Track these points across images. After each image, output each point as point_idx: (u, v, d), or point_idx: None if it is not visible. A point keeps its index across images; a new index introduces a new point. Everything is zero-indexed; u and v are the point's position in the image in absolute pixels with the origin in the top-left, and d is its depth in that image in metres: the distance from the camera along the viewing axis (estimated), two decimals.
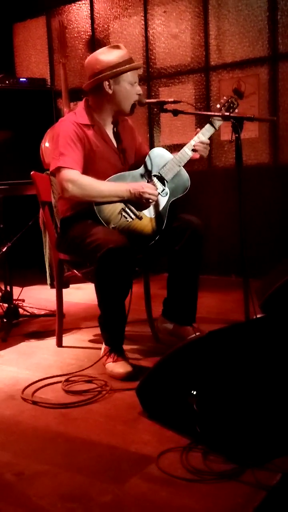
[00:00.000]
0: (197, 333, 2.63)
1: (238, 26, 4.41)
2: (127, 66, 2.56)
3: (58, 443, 1.90)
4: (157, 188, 2.62)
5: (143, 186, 2.55)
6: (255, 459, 1.65)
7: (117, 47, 2.62)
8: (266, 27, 4.28)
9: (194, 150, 2.67)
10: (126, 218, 2.53)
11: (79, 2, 5.19)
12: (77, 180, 2.50)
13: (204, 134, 2.69)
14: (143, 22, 4.85)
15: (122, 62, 2.56)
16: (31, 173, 2.96)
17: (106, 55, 2.58)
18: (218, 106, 2.71)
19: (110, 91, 2.58)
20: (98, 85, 2.59)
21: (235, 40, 4.44)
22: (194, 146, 2.66)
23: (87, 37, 5.19)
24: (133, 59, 2.65)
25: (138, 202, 2.54)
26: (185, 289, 2.69)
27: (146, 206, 2.57)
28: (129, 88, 2.59)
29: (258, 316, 2.33)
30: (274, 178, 4.34)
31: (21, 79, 4.77)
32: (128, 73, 2.58)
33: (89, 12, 5.14)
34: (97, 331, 2.62)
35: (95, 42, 5.09)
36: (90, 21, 5.15)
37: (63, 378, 2.44)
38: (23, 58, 5.65)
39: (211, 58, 4.57)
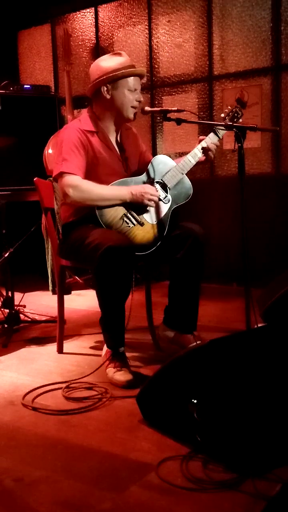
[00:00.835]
0: (198, 342, 2.63)
1: (241, 36, 4.44)
2: (124, 71, 2.58)
3: (58, 450, 1.90)
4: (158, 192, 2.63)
5: (145, 188, 2.56)
6: (255, 469, 1.65)
7: (119, 54, 2.65)
8: (269, 37, 4.31)
9: (204, 149, 2.68)
10: (128, 224, 2.54)
11: (84, 10, 5.23)
12: (78, 185, 2.51)
13: (208, 142, 2.71)
14: (147, 31, 4.89)
15: (121, 68, 2.59)
16: (34, 179, 2.97)
17: (106, 62, 2.62)
18: (222, 115, 2.73)
19: (108, 96, 2.60)
20: (98, 90, 2.62)
21: (238, 50, 4.47)
22: (206, 144, 2.67)
23: (92, 45, 5.23)
24: (135, 66, 2.67)
25: (140, 204, 2.55)
26: (187, 297, 2.69)
27: (147, 209, 2.58)
28: (128, 94, 2.61)
29: (259, 325, 2.33)
30: (276, 187, 4.35)
31: (25, 86, 4.80)
32: (128, 79, 2.60)
33: (94, 20, 5.18)
34: (98, 338, 2.62)
35: (99, 50, 5.12)
36: (94, 29, 5.18)
37: (63, 385, 2.44)
38: (27, 65, 5.69)
39: (215, 68, 4.60)
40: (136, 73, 2.63)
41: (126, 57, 2.64)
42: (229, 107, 2.75)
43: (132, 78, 2.61)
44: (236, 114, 2.71)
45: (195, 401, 1.80)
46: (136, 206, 2.56)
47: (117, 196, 2.52)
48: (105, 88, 2.60)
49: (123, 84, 2.59)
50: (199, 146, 2.70)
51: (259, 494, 1.54)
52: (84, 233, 2.51)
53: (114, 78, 2.58)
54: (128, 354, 2.63)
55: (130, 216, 2.55)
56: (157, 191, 2.62)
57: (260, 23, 4.34)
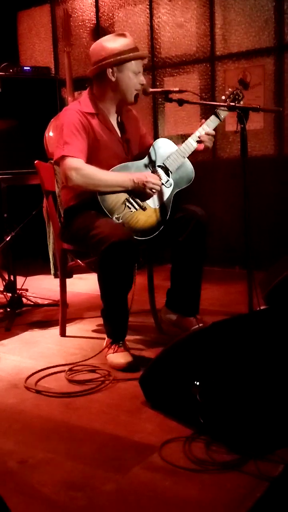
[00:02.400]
0: (201, 324, 2.64)
1: (244, 16, 4.37)
2: (131, 54, 2.55)
3: (61, 432, 1.91)
4: (161, 179, 2.61)
5: (147, 176, 2.54)
6: (258, 450, 1.66)
7: (123, 35, 2.60)
8: (272, 17, 4.24)
9: (199, 141, 2.66)
10: (130, 208, 2.52)
11: None
12: (80, 168, 2.49)
13: (209, 125, 2.68)
14: (148, 11, 4.82)
15: (127, 50, 2.55)
16: (35, 162, 2.95)
17: (111, 43, 2.57)
18: (223, 97, 2.70)
19: (113, 79, 2.57)
20: (102, 72, 2.58)
21: (241, 30, 4.40)
22: (199, 137, 2.65)
23: (92, 25, 5.16)
24: (138, 48, 2.64)
25: (142, 192, 2.54)
26: (189, 280, 2.69)
27: (149, 196, 2.57)
28: (132, 77, 2.58)
29: (262, 307, 2.33)
30: (279, 169, 4.32)
31: (25, 68, 4.75)
32: (133, 62, 2.56)
33: (94, 0, 5.10)
34: (101, 321, 2.63)
35: (99, 31, 5.05)
36: (95, 9, 5.11)
37: (66, 368, 2.45)
38: (27, 47, 5.62)
39: (217, 48, 4.54)
40: (142, 56, 2.60)
41: (130, 38, 2.60)
42: (229, 89, 2.72)
43: (137, 61, 2.58)
44: (237, 96, 2.67)
45: (198, 383, 1.81)
46: (139, 191, 2.55)
47: (119, 183, 2.50)
48: (111, 70, 2.55)
49: (128, 67, 2.56)
50: (200, 129, 2.67)
51: (262, 475, 1.55)
52: (88, 221, 2.49)
53: (121, 61, 2.53)
54: (130, 337, 2.64)
55: (132, 200, 2.54)
56: (159, 177, 2.60)
57: (263, 2, 4.27)
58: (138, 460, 1.69)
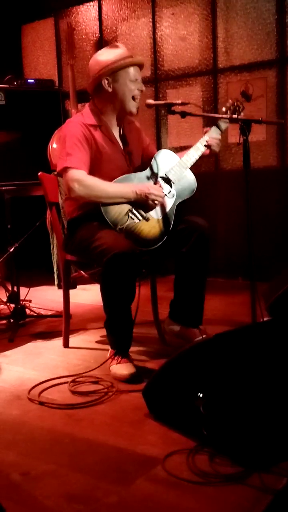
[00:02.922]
0: (204, 335, 2.63)
1: (246, 29, 4.41)
2: (122, 62, 2.57)
3: (64, 444, 1.91)
4: (163, 190, 2.62)
5: (149, 187, 2.55)
6: (261, 463, 1.65)
7: (116, 46, 2.65)
8: (274, 30, 4.28)
9: (206, 146, 2.68)
10: (133, 219, 2.53)
11: (88, 4, 5.21)
12: (83, 180, 2.51)
13: (210, 136, 2.70)
14: (151, 24, 4.86)
15: (119, 60, 2.58)
16: (39, 173, 2.97)
17: (104, 55, 2.61)
18: (223, 109, 2.73)
19: (110, 89, 2.60)
20: (99, 84, 2.61)
21: (243, 42, 4.44)
22: (207, 141, 2.67)
23: (95, 38, 5.21)
24: (135, 56, 2.64)
25: (144, 203, 2.55)
26: (192, 291, 2.69)
27: (152, 207, 2.58)
28: (129, 84, 2.60)
29: (265, 319, 2.33)
30: (282, 181, 4.33)
31: (29, 80, 4.79)
32: (127, 69, 2.58)
33: (97, 13, 5.15)
34: (104, 332, 2.62)
35: (103, 44, 5.09)
36: (98, 22, 5.16)
37: (69, 379, 2.44)
38: (31, 59, 5.67)
39: (219, 61, 4.57)
40: (134, 63, 2.61)
41: (124, 49, 2.63)
42: (230, 101, 2.74)
43: (132, 68, 2.60)
44: (237, 108, 2.70)
45: (201, 395, 1.80)
46: (141, 202, 2.56)
47: (121, 195, 2.52)
48: (106, 81, 2.59)
49: (123, 75, 2.58)
50: (202, 140, 2.70)
51: (266, 487, 1.55)
52: (91, 233, 2.50)
53: (114, 70, 2.57)
54: (133, 348, 2.64)
55: (135, 211, 2.55)
56: (161, 188, 2.61)
57: (265, 15, 4.31)
58: (141, 472, 1.68)
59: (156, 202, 2.56)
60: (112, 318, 2.51)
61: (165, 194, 2.63)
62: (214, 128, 2.71)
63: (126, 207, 2.54)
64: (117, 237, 2.43)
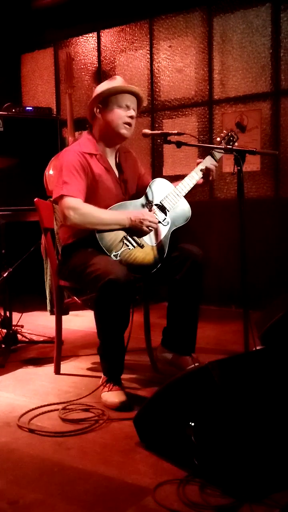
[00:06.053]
0: (196, 364, 2.62)
1: (241, 62, 4.51)
2: (110, 87, 2.63)
3: (53, 472, 1.88)
4: (158, 217, 2.64)
5: (144, 214, 2.58)
6: (253, 494, 1.63)
7: (113, 78, 2.73)
8: (269, 63, 4.38)
9: (202, 172, 2.72)
10: (128, 246, 2.55)
11: (87, 35, 5.32)
12: (78, 208, 2.53)
13: (204, 165, 2.74)
14: (148, 56, 4.96)
15: (111, 88, 2.63)
16: (35, 199, 2.99)
17: (101, 86, 2.70)
18: (218, 139, 2.78)
19: (100, 116, 2.66)
20: (92, 112, 2.69)
21: (238, 75, 4.54)
22: (201, 170, 2.71)
23: (94, 69, 5.30)
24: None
25: (139, 230, 2.57)
26: (185, 319, 2.69)
27: (146, 234, 2.59)
28: (117, 110, 2.64)
29: (258, 347, 2.32)
30: (275, 211, 4.37)
31: (27, 108, 4.86)
32: (117, 96, 2.63)
33: (96, 44, 5.26)
34: (96, 359, 2.61)
35: (101, 74, 5.19)
36: (97, 53, 5.27)
37: (60, 406, 2.42)
38: (30, 88, 5.76)
39: (215, 92, 4.66)
40: (121, 89, 2.64)
41: (120, 80, 2.70)
42: (224, 131, 2.80)
43: (122, 95, 2.64)
44: (231, 138, 2.76)
45: (193, 424, 1.79)
46: (136, 229, 2.58)
47: (116, 221, 2.54)
48: (97, 109, 2.66)
49: (113, 101, 2.64)
50: (197, 169, 2.74)
51: None
52: (85, 259, 2.51)
53: (103, 96, 2.63)
54: (125, 376, 2.62)
55: (130, 238, 2.56)
56: (156, 215, 2.63)
57: (260, 49, 4.41)
58: (131, 502, 1.66)
59: (151, 228, 2.58)
60: (106, 344, 2.50)
61: (160, 222, 2.66)
62: (208, 158, 2.75)
63: (121, 233, 2.55)
64: (111, 263, 2.43)
